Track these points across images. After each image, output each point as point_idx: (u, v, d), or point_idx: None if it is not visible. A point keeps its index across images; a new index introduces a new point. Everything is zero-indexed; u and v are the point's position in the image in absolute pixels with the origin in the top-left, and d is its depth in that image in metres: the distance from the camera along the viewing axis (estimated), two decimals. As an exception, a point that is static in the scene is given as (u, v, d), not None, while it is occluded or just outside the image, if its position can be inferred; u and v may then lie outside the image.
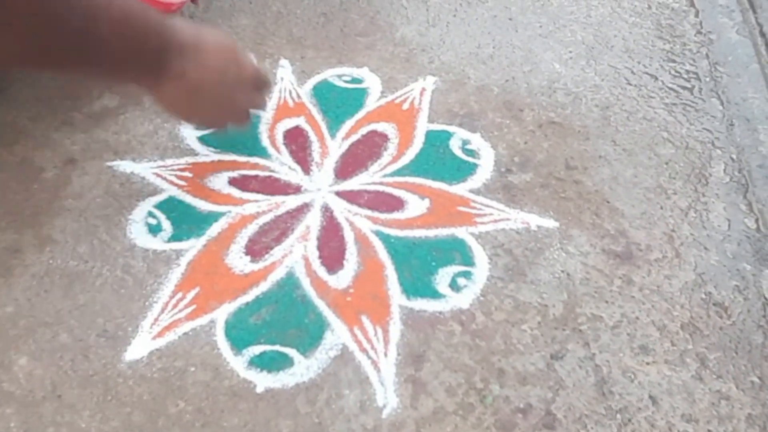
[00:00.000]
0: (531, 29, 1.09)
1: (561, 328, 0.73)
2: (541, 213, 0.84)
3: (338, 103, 0.95)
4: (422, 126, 0.93)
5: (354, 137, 0.91)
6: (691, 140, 0.93)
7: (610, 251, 0.80)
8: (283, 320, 0.72)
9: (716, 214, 0.85)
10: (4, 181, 0.83)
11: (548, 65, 1.03)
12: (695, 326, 0.74)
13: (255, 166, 0.87)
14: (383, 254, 0.78)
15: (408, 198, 0.84)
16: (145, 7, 0.63)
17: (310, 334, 0.71)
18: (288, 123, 0.92)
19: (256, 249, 0.78)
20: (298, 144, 0.90)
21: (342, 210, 0.82)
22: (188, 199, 0.83)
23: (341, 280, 0.76)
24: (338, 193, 0.84)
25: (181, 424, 0.65)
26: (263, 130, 0.91)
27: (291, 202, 0.83)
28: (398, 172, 0.87)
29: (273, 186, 0.85)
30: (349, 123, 0.93)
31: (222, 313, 0.72)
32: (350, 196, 0.84)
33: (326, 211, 0.82)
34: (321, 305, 0.73)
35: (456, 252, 0.79)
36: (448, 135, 0.92)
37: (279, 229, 0.80)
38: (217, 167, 0.86)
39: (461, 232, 0.81)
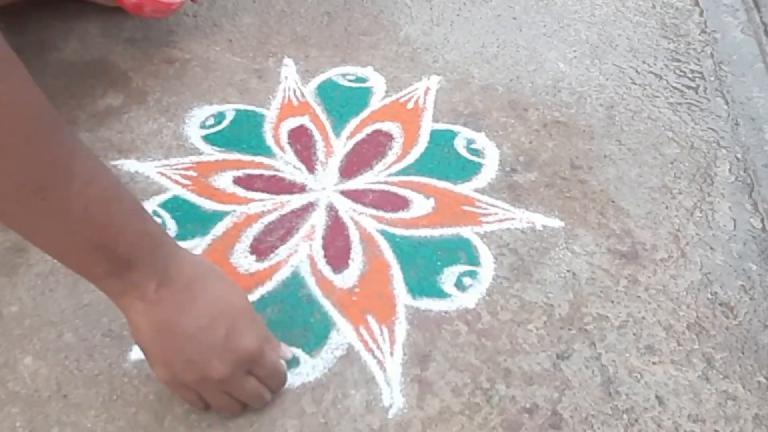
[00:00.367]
0: (535, 28, 1.09)
1: (567, 328, 0.73)
2: (546, 212, 0.83)
3: (342, 102, 0.95)
4: (427, 125, 0.93)
5: (359, 136, 0.91)
6: (696, 140, 0.93)
7: (615, 251, 0.80)
8: (288, 320, 0.72)
9: (722, 214, 0.84)
10: (8, 180, 0.83)
11: (553, 64, 1.03)
12: (701, 326, 0.74)
13: (259, 165, 0.87)
14: (388, 253, 0.78)
15: (413, 197, 0.84)
16: (135, 200, 0.54)
17: (315, 334, 0.71)
18: (292, 122, 0.92)
19: (261, 248, 0.78)
20: (302, 143, 0.90)
21: (347, 209, 0.82)
22: (193, 198, 0.83)
23: (347, 279, 0.75)
24: (343, 193, 0.84)
25: (187, 424, 0.64)
26: (268, 129, 0.91)
27: (296, 201, 0.83)
28: (403, 172, 0.87)
29: (278, 185, 0.84)
30: (353, 122, 0.93)
31: (227, 313, 0.72)
32: (355, 196, 0.84)
33: (331, 210, 0.82)
34: (326, 305, 0.73)
35: (461, 251, 0.79)
36: (453, 134, 0.92)
37: (284, 228, 0.80)
38: (222, 166, 0.86)
39: (466, 232, 0.81)
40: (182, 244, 0.77)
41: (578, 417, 0.67)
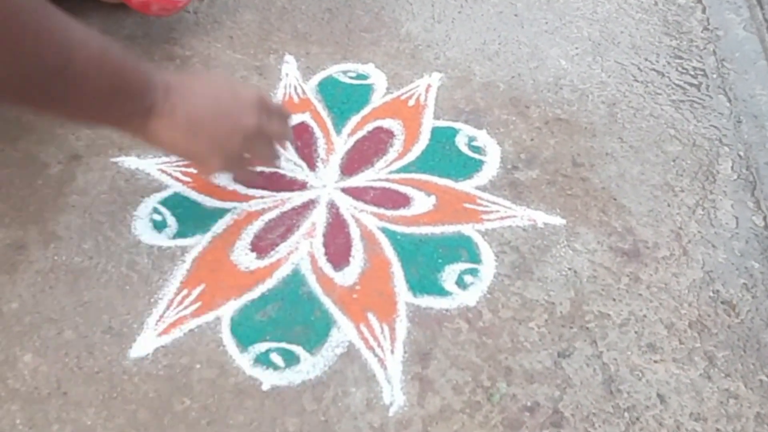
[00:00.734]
0: (537, 25, 1.08)
1: (568, 326, 0.73)
2: (547, 210, 0.83)
3: (343, 99, 0.95)
4: (428, 122, 0.92)
5: (360, 133, 0.90)
6: (698, 137, 0.93)
7: (617, 249, 0.80)
8: (289, 317, 0.72)
9: (724, 212, 0.84)
10: (8, 177, 0.83)
11: (554, 62, 1.02)
12: (703, 324, 0.74)
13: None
14: (389, 251, 0.78)
15: (414, 195, 0.83)
16: (124, 48, 0.61)
17: (316, 332, 0.71)
18: (293, 119, 0.92)
19: (261, 245, 0.78)
20: (303, 140, 0.89)
21: (348, 206, 0.82)
22: (193, 195, 0.82)
23: (347, 277, 0.75)
24: (344, 190, 0.84)
25: (187, 421, 0.64)
26: (268, 126, 0.91)
27: (296, 198, 0.83)
28: (404, 169, 0.86)
29: (278, 182, 0.84)
30: (354, 119, 0.92)
31: (227, 310, 0.72)
32: (356, 193, 0.83)
33: (332, 207, 0.82)
34: (327, 302, 0.73)
35: (462, 249, 0.78)
36: (454, 131, 0.91)
37: (284, 225, 0.80)
38: (222, 163, 0.86)
39: (468, 229, 0.80)
40: (183, 241, 0.78)
41: (579, 415, 0.67)
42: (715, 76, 1.02)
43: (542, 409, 0.67)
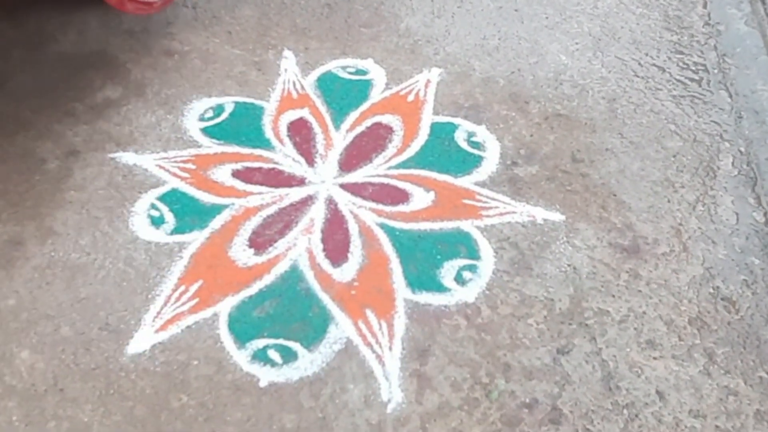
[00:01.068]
0: (537, 20, 1.08)
1: (567, 323, 0.72)
2: (547, 206, 0.83)
3: (342, 95, 0.94)
4: (427, 118, 0.92)
5: (358, 129, 0.90)
6: (698, 133, 0.92)
7: (616, 245, 0.79)
8: (286, 313, 0.71)
9: (724, 208, 0.84)
10: (5, 172, 0.83)
11: (554, 57, 1.02)
12: (703, 321, 0.73)
13: (259, 158, 0.86)
14: (388, 247, 0.77)
15: (413, 190, 0.83)
16: None
17: (314, 328, 0.70)
18: (292, 114, 0.92)
19: (259, 241, 0.77)
20: (302, 136, 0.89)
21: (346, 202, 0.81)
22: (191, 191, 0.82)
23: (345, 273, 0.75)
24: (342, 186, 0.83)
25: (184, 418, 0.64)
26: (267, 121, 0.90)
27: (295, 194, 0.82)
28: (403, 165, 0.86)
29: (277, 178, 0.84)
30: (353, 115, 0.92)
31: (225, 307, 0.72)
32: (355, 189, 0.83)
33: (330, 203, 0.81)
34: (325, 298, 0.73)
35: (461, 245, 0.78)
36: (454, 127, 0.91)
37: (283, 221, 0.79)
38: (221, 159, 0.86)
39: (467, 225, 0.80)
40: (180, 237, 0.78)
41: (578, 412, 0.66)
42: (716, 71, 1.01)
43: (541, 405, 0.67)
